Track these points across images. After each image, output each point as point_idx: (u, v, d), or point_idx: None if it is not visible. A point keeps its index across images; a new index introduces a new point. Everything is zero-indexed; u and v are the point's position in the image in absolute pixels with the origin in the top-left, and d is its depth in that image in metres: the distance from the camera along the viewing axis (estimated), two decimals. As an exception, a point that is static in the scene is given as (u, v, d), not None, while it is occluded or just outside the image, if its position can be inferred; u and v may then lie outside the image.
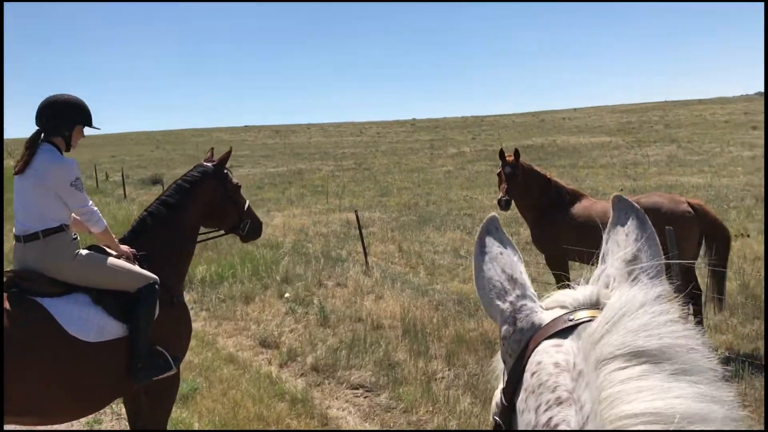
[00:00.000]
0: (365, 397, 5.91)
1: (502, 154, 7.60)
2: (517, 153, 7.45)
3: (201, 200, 4.26)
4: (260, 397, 5.81)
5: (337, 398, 5.94)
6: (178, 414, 5.48)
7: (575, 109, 73.98)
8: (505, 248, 1.26)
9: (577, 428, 0.89)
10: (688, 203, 6.62)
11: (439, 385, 5.97)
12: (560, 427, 0.92)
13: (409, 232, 14.01)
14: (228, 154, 4.61)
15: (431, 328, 7.43)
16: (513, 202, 7.38)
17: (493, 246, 1.26)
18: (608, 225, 1.20)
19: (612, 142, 36.93)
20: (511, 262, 1.23)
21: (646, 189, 18.20)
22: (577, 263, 7.01)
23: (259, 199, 21.07)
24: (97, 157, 44.66)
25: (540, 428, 0.96)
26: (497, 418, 1.14)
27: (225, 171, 4.48)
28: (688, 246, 6.33)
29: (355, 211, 11.00)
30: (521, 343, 1.12)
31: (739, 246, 10.73)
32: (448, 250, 12.10)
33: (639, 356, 0.84)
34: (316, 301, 8.47)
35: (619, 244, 1.15)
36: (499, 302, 1.19)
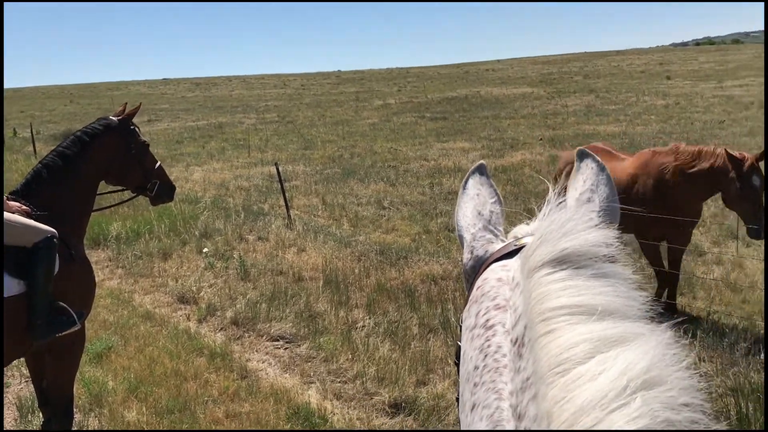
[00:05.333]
0: (285, 348, 5.91)
1: (731, 156, 5.48)
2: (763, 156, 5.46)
3: (100, 154, 4.05)
4: (178, 352, 5.73)
5: (257, 351, 5.92)
6: (91, 373, 5.35)
7: (498, 61, 74.59)
8: (486, 190, 1.38)
9: (510, 327, 0.98)
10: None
11: (360, 333, 6.03)
12: (496, 327, 1.01)
13: (333, 185, 13.94)
14: (136, 109, 4.41)
15: (353, 278, 7.46)
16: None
17: (473, 187, 1.40)
18: (571, 174, 1.31)
19: (533, 93, 37.55)
20: (485, 201, 1.35)
21: (565, 138, 18.66)
22: None
23: (179, 154, 20.49)
24: (5, 113, 42.26)
25: (477, 329, 1.05)
26: (459, 342, 1.20)
27: (132, 127, 4.27)
28: None
29: (276, 164, 10.82)
30: (476, 268, 1.22)
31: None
32: (372, 201, 12.12)
33: (564, 261, 0.91)
34: (236, 256, 8.35)
35: (576, 188, 1.24)
36: (465, 233, 1.31)
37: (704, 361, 5.14)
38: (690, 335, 5.42)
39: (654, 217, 5.68)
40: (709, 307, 6.24)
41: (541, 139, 19.22)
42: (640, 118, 23.05)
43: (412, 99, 38.91)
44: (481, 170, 1.42)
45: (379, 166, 16.21)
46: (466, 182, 1.41)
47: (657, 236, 6.16)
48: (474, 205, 1.35)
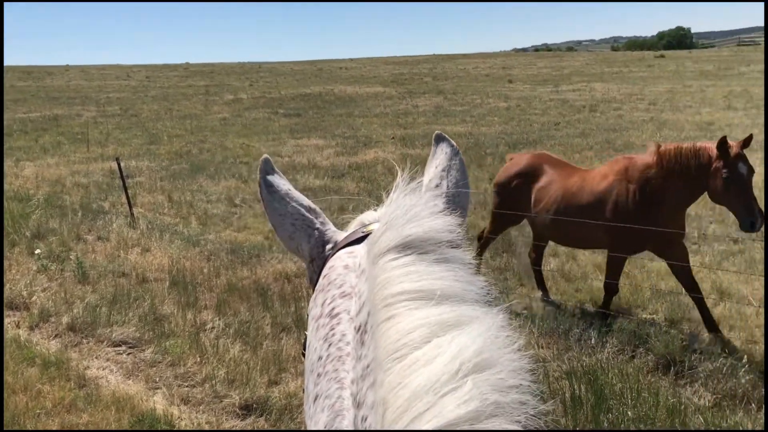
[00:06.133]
0: (128, 354, 5.60)
1: (719, 144, 5.06)
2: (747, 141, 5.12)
3: None
4: (5, 363, 5.25)
5: (97, 357, 5.57)
6: None
7: (352, 59, 75.33)
8: (290, 185, 1.35)
9: (354, 315, 0.97)
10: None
11: (209, 335, 5.84)
12: (341, 315, 1.00)
13: (181, 182, 13.41)
14: None
15: (202, 278, 7.22)
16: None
17: (279, 184, 1.33)
18: (429, 158, 1.31)
19: (386, 93, 38.26)
20: (301, 197, 1.32)
21: (415, 137, 19.17)
22: None
23: (8, 148, 18.82)
24: None
25: (323, 318, 1.03)
26: (306, 333, 1.18)
27: None
28: None
29: (117, 160, 10.22)
30: (326, 259, 1.20)
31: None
32: (222, 199, 11.80)
33: (408, 247, 0.91)
34: (73, 257, 7.79)
35: (428, 173, 1.25)
36: (304, 233, 1.27)
37: (542, 347, 5.47)
38: (529, 323, 5.75)
39: (636, 228, 5.33)
40: (547, 297, 6.65)
41: (393, 138, 19.62)
42: (485, 120, 24.16)
43: (265, 94, 38.32)
44: (272, 165, 1.37)
45: (230, 162, 15.82)
46: (266, 181, 1.34)
47: (637, 248, 5.65)
48: (296, 202, 1.32)
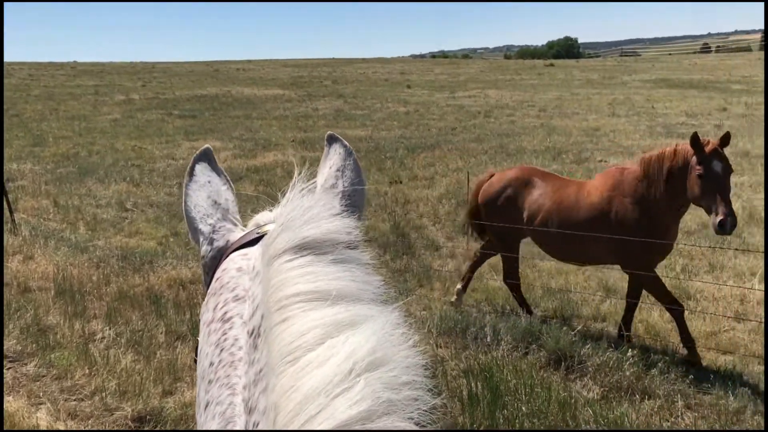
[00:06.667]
0: (9, 368, 5.24)
1: (694, 139, 4.90)
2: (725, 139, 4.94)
3: None
4: None
5: (-28, 374, 5.17)
6: None
7: (249, 61, 74.11)
8: (216, 177, 1.31)
9: (248, 318, 0.94)
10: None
11: (99, 345, 5.57)
12: (233, 320, 0.97)
13: (68, 185, 12.75)
14: None
15: (90, 286, 6.88)
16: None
17: (202, 174, 1.31)
18: (321, 159, 1.30)
19: (285, 95, 37.89)
20: (218, 189, 1.29)
21: (316, 140, 19.09)
22: None
23: None
24: None
25: (215, 323, 1.00)
26: (198, 338, 1.14)
27: None
28: None
29: (-4, 161, 9.59)
30: (217, 259, 1.17)
31: (392, 191, 11.89)
32: (113, 203, 11.31)
33: (305, 248, 0.90)
34: (-55, 266, 7.22)
35: (323, 173, 1.24)
36: (201, 225, 1.24)
37: (441, 346, 5.57)
38: (428, 323, 5.84)
39: (642, 242, 5.13)
40: (445, 297, 6.78)
41: (293, 141, 19.46)
42: (384, 124, 24.40)
43: (159, 95, 37.06)
44: (208, 156, 1.35)
45: (121, 165, 15.19)
46: (192, 169, 1.33)
47: (648, 263, 5.36)
48: (207, 194, 1.28)
